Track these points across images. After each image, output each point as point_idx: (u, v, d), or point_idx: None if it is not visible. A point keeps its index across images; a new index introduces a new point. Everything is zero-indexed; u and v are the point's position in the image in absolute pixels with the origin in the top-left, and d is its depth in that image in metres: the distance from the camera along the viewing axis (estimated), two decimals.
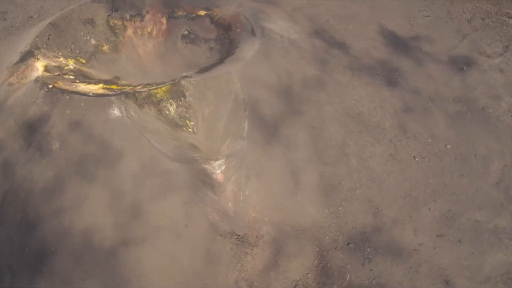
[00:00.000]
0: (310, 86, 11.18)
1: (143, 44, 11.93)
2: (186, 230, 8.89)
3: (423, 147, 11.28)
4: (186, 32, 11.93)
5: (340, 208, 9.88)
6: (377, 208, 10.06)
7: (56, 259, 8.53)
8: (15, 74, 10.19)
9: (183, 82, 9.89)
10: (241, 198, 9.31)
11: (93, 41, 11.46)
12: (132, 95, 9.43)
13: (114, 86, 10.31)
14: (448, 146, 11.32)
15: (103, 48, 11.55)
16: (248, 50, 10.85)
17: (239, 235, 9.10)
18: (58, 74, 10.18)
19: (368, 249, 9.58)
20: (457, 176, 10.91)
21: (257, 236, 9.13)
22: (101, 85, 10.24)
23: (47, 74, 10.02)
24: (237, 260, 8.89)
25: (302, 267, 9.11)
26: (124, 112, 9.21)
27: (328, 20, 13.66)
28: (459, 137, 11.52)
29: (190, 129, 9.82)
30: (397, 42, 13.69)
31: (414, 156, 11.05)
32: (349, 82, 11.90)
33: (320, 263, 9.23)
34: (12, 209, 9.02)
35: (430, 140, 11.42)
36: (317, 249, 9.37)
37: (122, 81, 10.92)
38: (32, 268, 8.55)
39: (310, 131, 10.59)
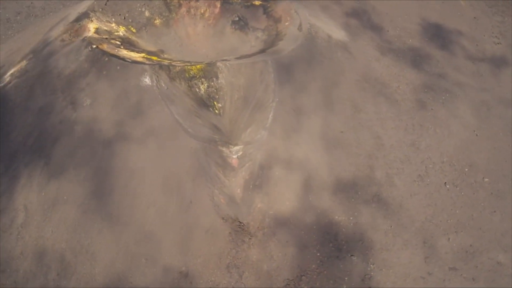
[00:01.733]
0: (344, 87, 10.86)
1: (194, 23, 12.18)
2: (190, 205, 8.96)
3: (458, 175, 10.59)
4: (237, 19, 12.04)
5: (351, 218, 9.50)
6: (391, 226, 9.56)
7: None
8: (69, 32, 10.81)
9: (218, 63, 9.98)
10: (251, 186, 9.23)
11: (147, 13, 11.88)
12: (166, 67, 9.66)
13: (154, 58, 10.61)
14: (486, 180, 10.54)
15: (155, 22, 11.94)
16: (291, 43, 10.73)
17: (241, 223, 9.02)
18: (106, 38, 10.66)
19: (371, 265, 9.14)
20: (489, 212, 10.13)
21: (258, 227, 9.01)
22: (143, 55, 10.58)
23: (96, 36, 10.52)
24: (233, 246, 8.81)
25: (298, 269, 8.86)
26: (155, 81, 9.46)
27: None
28: (500, 172, 10.69)
29: (216, 111, 9.88)
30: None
31: (446, 183, 10.39)
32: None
33: (317, 268, 8.93)
34: (39, 153, 9.56)
35: (467, 170, 10.70)
36: (318, 253, 9.07)
37: (165, 55, 11.22)
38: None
39: (336, 135, 10.29)
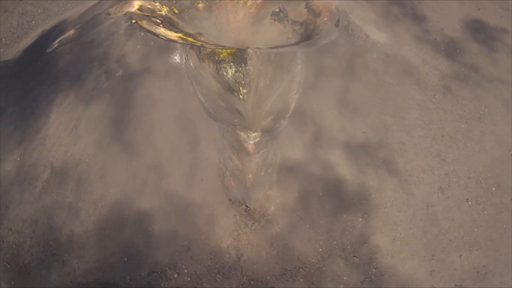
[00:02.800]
0: (367, 87, 10.67)
1: (235, 11, 12.39)
2: (201, 183, 9.18)
3: (483, 193, 10.12)
4: (278, 10, 12.12)
5: (360, 219, 9.35)
6: (400, 233, 9.32)
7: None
8: (115, 7, 11.35)
9: (249, 50, 10.12)
10: (263, 173, 9.31)
11: None
12: (196, 48, 9.93)
13: (190, 39, 10.92)
14: None
15: (198, 5, 12.26)
16: (325, 38, 10.68)
17: (248, 207, 9.13)
18: (148, 15, 11.09)
19: (373, 269, 8.96)
20: (510, 235, 9.62)
21: (263, 214, 9.08)
22: (179, 35, 10.92)
23: (138, 12, 10.97)
24: (235, 228, 8.95)
25: (297, 260, 8.86)
26: (184, 60, 9.75)
27: None
28: None
29: (241, 96, 10.04)
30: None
31: (468, 199, 9.97)
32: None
33: (317, 263, 8.88)
34: (70, 115, 10.13)
35: (494, 189, 10.21)
36: (320, 249, 9.01)
37: (202, 38, 11.51)
38: None
39: (356, 134, 10.15)
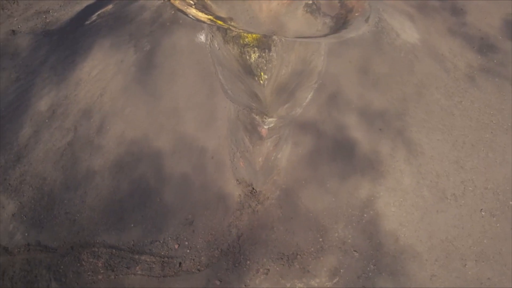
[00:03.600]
0: (385, 85, 10.54)
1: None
2: (211, 161, 9.39)
3: (499, 206, 9.81)
4: (311, 2, 12.16)
5: (365, 215, 9.29)
6: (405, 234, 9.18)
7: None
8: None
9: (274, 37, 10.23)
10: (272, 158, 9.41)
11: None
12: (222, 30, 10.14)
13: (219, 22, 11.15)
14: None
15: None
16: (352, 33, 10.64)
17: (254, 189, 9.26)
18: None
19: (372, 266, 8.88)
20: None
21: (268, 197, 9.18)
22: (210, 17, 11.17)
23: None
24: (238, 208, 9.10)
25: (295, 246, 8.90)
26: (209, 40, 9.99)
27: None
28: None
29: (261, 81, 10.17)
30: None
31: (482, 210, 9.69)
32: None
33: (315, 252, 8.90)
34: (99, 84, 10.59)
35: (511, 203, 9.86)
36: (320, 239, 9.02)
37: (232, 23, 11.71)
38: None
39: (370, 131, 10.06)
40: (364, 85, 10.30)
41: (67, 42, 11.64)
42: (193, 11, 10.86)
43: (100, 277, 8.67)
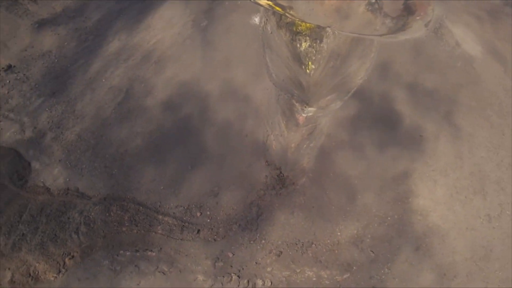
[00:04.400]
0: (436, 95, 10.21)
1: None
2: (245, 139, 9.65)
3: None
4: (374, 1, 12.03)
5: (389, 218, 9.15)
6: (416, 249, 8.94)
7: None
8: None
9: (328, 29, 10.27)
10: (305, 146, 9.49)
11: None
12: (278, 15, 10.32)
13: (277, 8, 11.33)
14: None
15: None
16: (408, 35, 10.44)
17: (281, 173, 9.40)
18: None
19: (386, 269, 8.75)
20: None
21: (293, 183, 9.28)
22: (269, 2, 11.39)
23: None
24: (262, 188, 9.28)
25: (311, 235, 8.95)
26: (262, 23, 10.21)
27: None
28: None
29: (308, 70, 10.26)
30: None
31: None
32: None
33: (331, 245, 8.90)
34: (158, 54, 11.15)
35: None
36: (339, 233, 9.01)
37: (290, 12, 11.86)
38: None
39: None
40: (413, 94, 10.10)
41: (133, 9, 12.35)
42: None
43: (124, 229, 9.21)
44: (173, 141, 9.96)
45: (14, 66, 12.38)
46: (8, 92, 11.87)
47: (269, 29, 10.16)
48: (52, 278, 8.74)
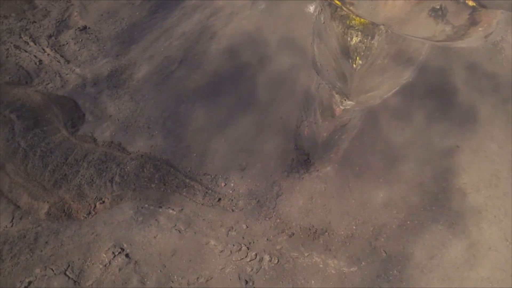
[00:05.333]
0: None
1: None
2: (279, 120, 9.91)
3: None
4: (438, 7, 11.78)
5: (408, 222, 9.03)
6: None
7: None
8: None
9: (381, 26, 10.25)
10: (336, 137, 9.59)
11: None
12: (333, 6, 10.44)
13: (336, 1, 11.44)
14: None
15: None
16: (463, 44, 10.16)
17: (309, 160, 9.57)
18: None
19: (396, 271, 8.67)
20: None
21: (318, 170, 9.42)
22: None
23: None
24: (287, 170, 9.50)
25: (326, 223, 9.05)
26: (316, 12, 10.39)
27: None
28: None
29: (354, 65, 10.31)
30: None
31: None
32: None
33: (345, 236, 8.96)
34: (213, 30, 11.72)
35: None
36: (354, 226, 9.04)
37: (350, 7, 11.92)
38: None
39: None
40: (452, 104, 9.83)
41: None
42: None
43: (153, 185, 9.82)
44: (210, 115, 10.44)
45: (89, 28, 13.45)
46: (79, 50, 12.93)
47: (322, 19, 10.32)
48: (82, 218, 9.50)
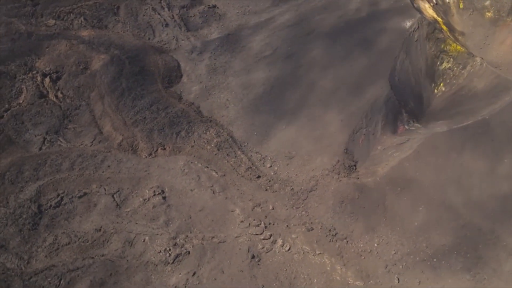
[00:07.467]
0: None
1: None
2: (339, 122, 10.01)
3: None
4: None
5: (434, 260, 8.47)
6: None
7: None
8: None
9: (477, 58, 9.67)
10: (389, 153, 9.36)
11: (487, 3, 11.88)
12: (431, 27, 10.11)
13: (444, 27, 11.01)
14: None
15: (487, 13, 11.84)
16: None
17: (354, 166, 9.54)
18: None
19: None
20: None
21: (357, 178, 9.34)
22: (438, 18, 11.12)
23: None
24: (328, 168, 9.69)
25: (349, 231, 8.95)
26: (411, 29, 10.17)
27: None
28: None
29: (436, 90, 9.87)
30: None
31: None
32: None
33: (362, 250, 8.76)
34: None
35: None
36: (376, 244, 8.78)
37: (459, 36, 11.35)
38: None
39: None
40: None
41: None
42: (426, 6, 11.03)
43: (208, 147, 10.75)
44: (279, 102, 10.92)
45: (217, 7, 14.94)
46: (201, 23, 14.45)
47: (415, 37, 10.08)
48: (143, 156, 10.75)
